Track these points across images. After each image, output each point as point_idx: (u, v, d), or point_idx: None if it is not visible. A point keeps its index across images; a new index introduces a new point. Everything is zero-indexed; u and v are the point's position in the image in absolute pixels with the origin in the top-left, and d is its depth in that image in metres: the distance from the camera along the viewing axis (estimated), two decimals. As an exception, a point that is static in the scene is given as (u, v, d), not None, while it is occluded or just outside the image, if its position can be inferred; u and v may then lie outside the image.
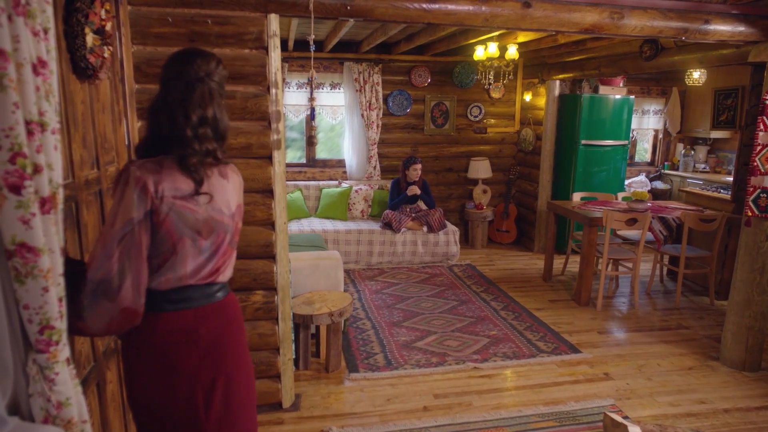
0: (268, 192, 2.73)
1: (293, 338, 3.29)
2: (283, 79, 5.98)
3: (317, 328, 3.68)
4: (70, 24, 1.65)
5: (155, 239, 1.44)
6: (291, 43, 5.50)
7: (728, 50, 3.65)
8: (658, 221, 4.68)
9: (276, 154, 2.71)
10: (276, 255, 2.80)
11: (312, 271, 3.67)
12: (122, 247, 1.38)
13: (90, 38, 1.73)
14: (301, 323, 3.36)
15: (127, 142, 2.34)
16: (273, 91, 2.65)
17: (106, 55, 1.86)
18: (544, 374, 3.47)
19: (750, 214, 3.40)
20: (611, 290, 5.14)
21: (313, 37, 2.66)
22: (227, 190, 1.58)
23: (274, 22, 2.60)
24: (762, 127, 3.30)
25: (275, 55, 2.63)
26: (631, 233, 5.69)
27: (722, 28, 3.06)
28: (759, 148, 3.33)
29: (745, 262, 3.51)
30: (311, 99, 2.73)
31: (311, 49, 2.62)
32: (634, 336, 4.10)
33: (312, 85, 2.74)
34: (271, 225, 2.77)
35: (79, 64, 1.71)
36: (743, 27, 3.07)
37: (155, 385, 1.54)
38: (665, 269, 5.47)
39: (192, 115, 1.46)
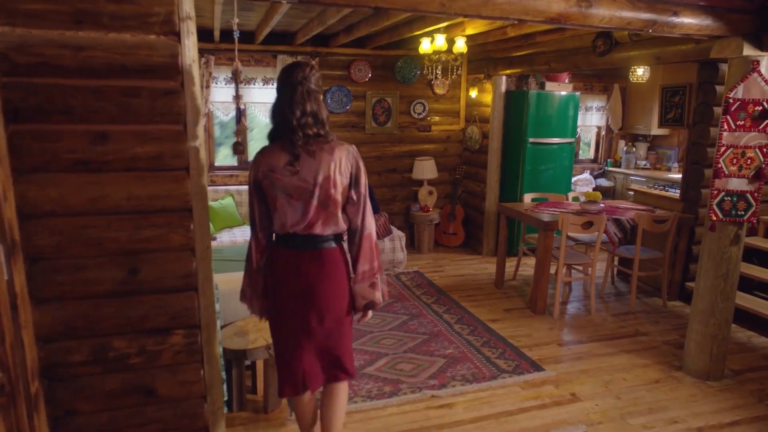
0: (186, 211, 2.23)
1: (224, 377, 2.81)
2: (210, 73, 5.39)
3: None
4: None
5: (266, 197, 2.15)
6: (217, 33, 4.93)
7: (687, 46, 3.47)
8: (613, 223, 4.52)
9: (194, 164, 2.22)
10: (198, 286, 2.31)
11: (245, 295, 3.18)
12: (250, 201, 2.22)
13: None
14: (233, 359, 2.88)
15: (-9, 153, 1.78)
16: (189, 86, 2.15)
17: (-65, 36, 1.33)
18: (508, 399, 3.17)
19: (714, 218, 3.23)
20: (565, 295, 4.95)
21: (236, 21, 2.19)
22: (314, 164, 2.05)
23: (187, 1, 2.11)
24: (726, 127, 3.13)
25: (190, 43, 2.13)
26: (583, 235, 5.54)
27: (690, 21, 2.84)
28: (723, 149, 3.16)
29: (708, 268, 3.36)
30: (237, 97, 2.25)
31: (235, 36, 2.15)
32: (595, 347, 3.89)
33: (237, 80, 2.25)
34: (190, 251, 2.27)
35: None
36: (710, 20, 2.87)
37: (274, 298, 2.23)
38: (615, 270, 5.37)
39: (296, 111, 2.02)
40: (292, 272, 2.16)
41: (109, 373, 2.26)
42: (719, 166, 3.18)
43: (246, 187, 5.73)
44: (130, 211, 2.17)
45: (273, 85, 5.74)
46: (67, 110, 2.00)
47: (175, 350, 2.33)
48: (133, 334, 2.27)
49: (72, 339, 2.18)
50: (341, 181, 2.09)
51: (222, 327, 3.11)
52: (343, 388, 2.36)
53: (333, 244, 2.17)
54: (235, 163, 5.99)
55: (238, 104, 2.25)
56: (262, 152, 2.15)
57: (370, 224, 2.19)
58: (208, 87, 5.40)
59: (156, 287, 2.25)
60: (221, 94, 5.59)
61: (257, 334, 2.95)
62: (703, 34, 2.96)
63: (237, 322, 3.11)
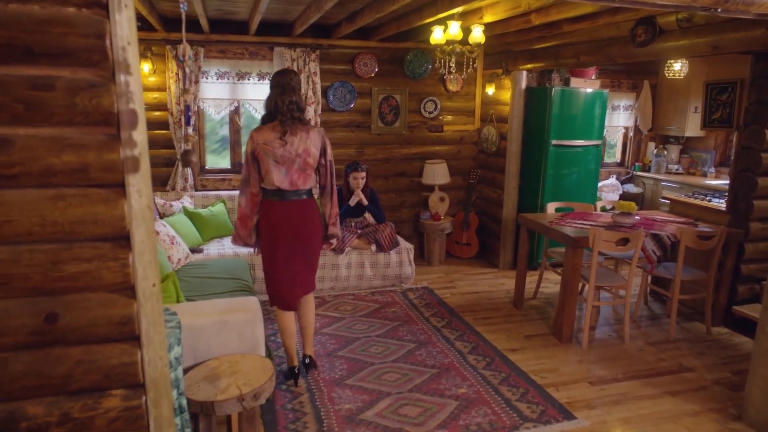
0: (122, 239, 1.71)
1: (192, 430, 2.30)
2: (199, 68, 4.88)
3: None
4: None
5: (259, 164, 2.97)
6: (204, 22, 4.41)
7: (755, 31, 2.89)
8: (651, 239, 3.94)
9: (133, 180, 1.69)
10: (141, 335, 1.79)
11: (219, 329, 2.66)
12: (246, 166, 3.00)
13: None
14: (199, 412, 2.37)
15: None
16: (122, 78, 1.62)
17: None
18: (533, 458, 2.62)
19: (788, 242, 2.65)
20: (593, 319, 4.38)
21: (184, -11, 1.67)
22: (296, 141, 2.93)
23: (120, -37, 1.59)
24: (805, 130, 2.55)
25: (123, 19, 1.61)
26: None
27: (770, -3, 2.27)
28: (801, 157, 2.58)
29: (778, 301, 2.78)
30: (184, 90, 1.71)
31: (182, 10, 1.63)
32: (634, 386, 3.32)
33: (184, 69, 1.70)
34: (129, 290, 1.75)
35: None
36: (796, -3, 2.30)
37: (267, 239, 3.06)
38: (647, 289, 4.78)
39: (285, 100, 2.91)
40: (283, 218, 3.01)
41: (23, 449, 1.76)
42: (796, 178, 2.60)
43: (238, 192, 5.22)
44: (45, 240, 1.65)
45: (269, 80, 5.22)
46: (-47, 108, 1.50)
47: (111, 417, 1.81)
48: (54, 397, 1.76)
49: (-29, 406, 1.69)
50: (314, 152, 3.00)
51: (191, 367, 2.60)
52: (311, 298, 3.31)
53: (310, 196, 3.07)
54: (228, 166, 5.48)
55: (186, 100, 1.73)
56: (257, 130, 2.99)
57: (334, 182, 3.15)
58: (197, 82, 4.88)
59: (83, 337, 1.73)
60: (212, 90, 5.08)
61: (230, 380, 2.44)
62: (782, 16, 2.39)
63: (209, 361, 2.60)
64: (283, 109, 2.88)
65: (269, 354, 2.99)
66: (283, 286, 3.09)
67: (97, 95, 1.61)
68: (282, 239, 3.01)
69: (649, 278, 4.59)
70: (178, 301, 2.87)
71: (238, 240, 3.13)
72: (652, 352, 3.81)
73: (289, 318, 3.19)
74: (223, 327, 2.67)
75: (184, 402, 2.27)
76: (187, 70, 1.55)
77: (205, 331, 2.65)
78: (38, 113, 1.57)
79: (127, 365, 1.82)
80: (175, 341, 2.25)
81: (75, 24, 1.55)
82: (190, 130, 1.67)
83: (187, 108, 1.68)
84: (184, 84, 1.61)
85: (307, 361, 3.33)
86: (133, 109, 1.69)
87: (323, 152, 3.03)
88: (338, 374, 3.39)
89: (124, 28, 1.63)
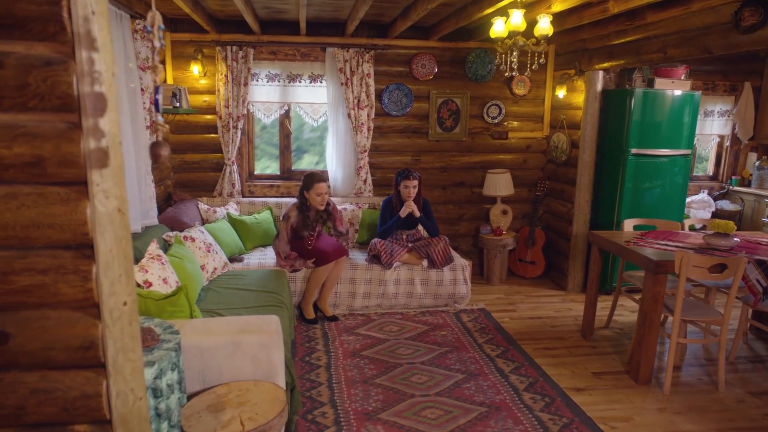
0: (84, 248, 1.43)
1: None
2: (248, 69, 4.73)
3: None
4: None
5: None
6: (251, 20, 4.22)
7: None
8: (755, 267, 3.27)
9: (98, 177, 1.41)
10: (107, 362, 1.51)
11: (232, 352, 2.36)
12: None
13: None
14: (196, 447, 2.07)
15: None
16: (83, 54, 1.36)
17: None
18: None
19: None
20: (678, 357, 3.73)
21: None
22: None
23: None
24: None
25: (86, -17, 1.34)
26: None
27: None
28: None
29: None
30: (153, 67, 1.43)
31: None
32: (730, 448, 2.71)
33: (152, 42, 1.43)
34: (92, 308, 1.47)
35: None
36: None
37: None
38: (748, 324, 4.05)
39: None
40: None
41: (-30, 489, 1.52)
42: None
43: (286, 200, 5.02)
44: (-6, 247, 1.41)
45: (321, 82, 4.99)
46: None
47: (71, 459, 1.53)
48: (8, 429, 1.52)
49: None
50: None
51: (198, 392, 2.32)
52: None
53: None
54: (277, 172, 5.28)
55: (156, 81, 1.44)
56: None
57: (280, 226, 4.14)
58: (246, 84, 4.73)
59: (38, 362, 1.47)
60: (262, 92, 4.91)
61: (235, 411, 2.12)
62: None
63: (218, 387, 2.30)
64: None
65: (292, 380, 2.66)
66: None
67: (53, 74, 1.34)
68: None
69: (750, 312, 3.87)
70: (192, 317, 2.60)
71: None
72: (755, 404, 3.14)
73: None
74: (237, 349, 2.37)
75: (178, 436, 1.98)
76: (157, 43, 1.28)
77: (216, 353, 2.36)
78: (-15, 96, 1.33)
79: (90, 398, 1.53)
80: (169, 366, 1.96)
81: (25, -12, 1.29)
82: (159, 118, 1.40)
83: (156, 90, 1.40)
84: (152, 60, 1.35)
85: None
86: (100, 93, 1.41)
87: None
88: (372, 406, 3.01)
89: (87, -6, 1.35)
